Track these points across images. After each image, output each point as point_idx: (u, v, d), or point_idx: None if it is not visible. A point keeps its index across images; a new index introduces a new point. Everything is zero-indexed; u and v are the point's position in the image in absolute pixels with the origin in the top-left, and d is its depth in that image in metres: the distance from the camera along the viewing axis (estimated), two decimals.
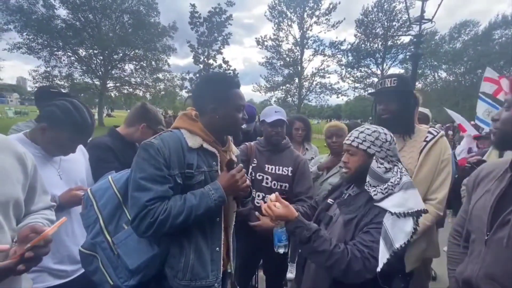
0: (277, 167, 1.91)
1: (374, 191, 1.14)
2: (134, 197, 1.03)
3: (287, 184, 1.89)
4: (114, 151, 1.71)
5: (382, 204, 1.11)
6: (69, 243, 1.36)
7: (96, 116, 24.83)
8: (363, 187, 1.20)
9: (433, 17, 5.26)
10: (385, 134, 1.22)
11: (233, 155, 1.35)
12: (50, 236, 0.80)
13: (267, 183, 1.87)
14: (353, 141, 1.22)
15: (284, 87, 27.46)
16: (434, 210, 1.53)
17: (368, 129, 1.22)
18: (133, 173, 1.06)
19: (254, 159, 1.92)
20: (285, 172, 1.90)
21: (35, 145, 1.27)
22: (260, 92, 27.99)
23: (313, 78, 26.88)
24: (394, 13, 24.40)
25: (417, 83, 23.90)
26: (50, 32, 20.11)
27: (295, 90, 27.39)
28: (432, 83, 28.29)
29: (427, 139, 1.58)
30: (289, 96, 27.75)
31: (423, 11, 5.27)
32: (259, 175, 1.90)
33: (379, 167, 1.17)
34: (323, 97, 27.65)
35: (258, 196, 1.89)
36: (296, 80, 26.95)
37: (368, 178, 1.17)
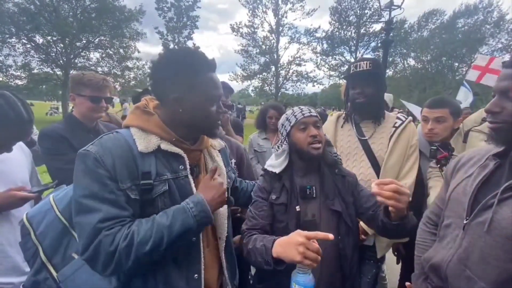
0: None
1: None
2: (80, 223, 0.79)
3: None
4: (68, 140, 1.52)
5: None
6: (12, 254, 1.25)
7: (60, 109, 23.24)
8: (319, 170, 1.21)
9: (402, 3, 5.37)
10: None
11: (214, 153, 1.10)
12: None
13: None
14: (316, 113, 1.22)
15: (260, 76, 27.25)
16: None
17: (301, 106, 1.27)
18: (74, 192, 0.83)
19: None
20: None
21: None
22: (237, 81, 27.54)
23: (289, 66, 26.90)
24: (366, 1, 24.84)
25: (388, 70, 24.84)
26: (0, 16, 18.05)
27: (272, 79, 27.30)
28: (401, 71, 29.50)
29: (396, 124, 1.58)
30: (266, 85, 27.63)
31: None
32: None
33: None
34: (300, 85, 27.90)
35: None
36: (273, 69, 26.84)
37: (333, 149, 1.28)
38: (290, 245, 0.85)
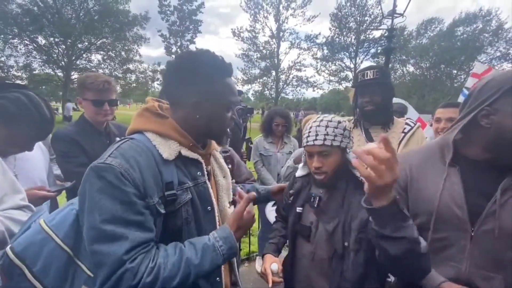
0: None
1: None
2: (101, 252, 0.67)
3: None
4: (80, 143, 1.54)
5: None
6: None
7: (60, 110, 23.24)
8: (335, 186, 1.11)
9: (404, 11, 5.46)
10: (345, 122, 1.12)
11: (217, 155, 1.08)
12: None
13: None
14: (325, 140, 1.06)
15: (261, 80, 27.45)
16: None
17: (331, 121, 1.09)
18: (89, 216, 0.70)
19: None
20: None
21: None
22: (238, 85, 27.60)
23: (289, 71, 27.13)
24: (366, 8, 25.16)
25: None
26: (3, 17, 18.14)
27: (272, 83, 27.51)
28: (401, 77, 29.73)
29: (405, 130, 1.62)
30: (266, 89, 27.84)
31: (395, 5, 5.46)
32: None
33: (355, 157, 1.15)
34: (299, 90, 28.11)
35: None
36: (273, 73, 27.04)
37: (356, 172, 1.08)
38: None
